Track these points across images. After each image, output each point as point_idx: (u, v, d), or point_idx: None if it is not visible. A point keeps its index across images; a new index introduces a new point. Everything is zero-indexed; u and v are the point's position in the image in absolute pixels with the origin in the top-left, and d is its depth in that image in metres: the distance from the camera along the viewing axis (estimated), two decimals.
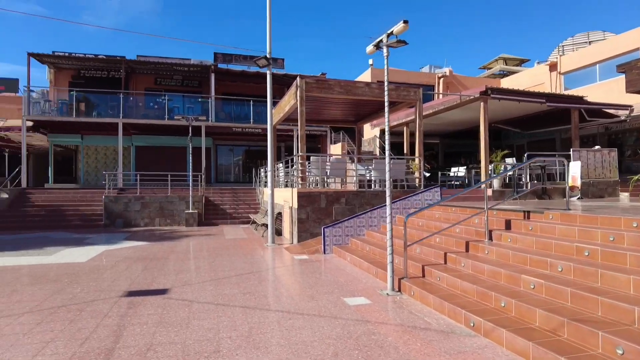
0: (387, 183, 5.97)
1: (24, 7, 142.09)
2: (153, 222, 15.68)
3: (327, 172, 11.60)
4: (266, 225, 12.20)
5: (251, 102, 21.30)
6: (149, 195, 15.97)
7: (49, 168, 21.38)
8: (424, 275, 6.05)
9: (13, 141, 21.66)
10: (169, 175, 16.87)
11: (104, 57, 20.52)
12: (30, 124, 18.88)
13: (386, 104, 6.14)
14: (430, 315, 4.75)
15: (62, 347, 3.84)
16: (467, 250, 6.29)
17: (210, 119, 20.14)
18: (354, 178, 12.11)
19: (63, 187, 19.54)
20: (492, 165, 12.80)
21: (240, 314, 4.83)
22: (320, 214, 10.25)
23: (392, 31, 5.95)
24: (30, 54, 19.35)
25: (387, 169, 5.96)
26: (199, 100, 21.95)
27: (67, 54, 20.31)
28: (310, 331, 4.25)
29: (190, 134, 16.12)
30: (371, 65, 22.99)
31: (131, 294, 5.76)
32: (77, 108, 19.47)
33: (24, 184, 18.15)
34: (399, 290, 5.82)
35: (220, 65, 21.68)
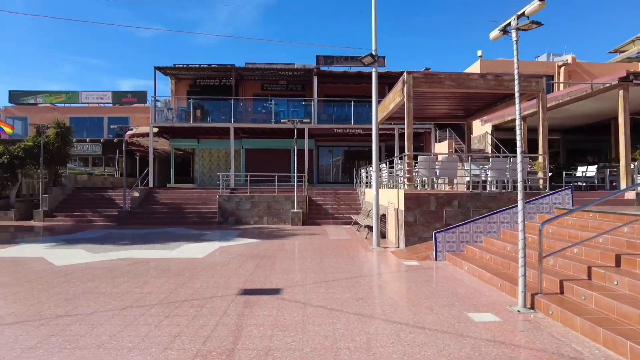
0: (519, 185, 5.26)
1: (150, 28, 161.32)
2: (261, 220, 16.39)
3: (436, 173, 10.90)
4: (369, 227, 11.89)
5: (352, 103, 21.21)
6: (258, 195, 16.74)
7: (171, 170, 23.73)
8: (562, 292, 5.19)
9: (142, 146, 24.48)
10: (276, 176, 17.50)
11: (216, 65, 22.11)
12: (156, 130, 21.11)
13: (516, 94, 5.44)
14: (579, 342, 3.98)
15: (187, 342, 3.95)
16: (617, 264, 5.26)
17: (313, 121, 20.51)
18: (466, 178, 11.21)
19: (182, 186, 21.52)
20: (637, 163, 10.88)
21: (355, 321, 4.57)
22: (429, 217, 9.63)
23: (524, 12, 5.21)
24: (156, 68, 21.67)
25: (518, 168, 5.25)
26: (302, 103, 22.51)
27: (185, 65, 22.32)
28: (435, 349, 3.81)
29: (295, 136, 16.53)
30: (480, 56, 21.38)
31: (246, 292, 5.86)
32: (194, 114, 21.26)
33: (151, 183, 20.35)
34: (532, 308, 5.06)
35: (322, 68, 21.99)
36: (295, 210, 16.10)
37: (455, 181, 11.96)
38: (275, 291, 5.90)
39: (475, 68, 22.26)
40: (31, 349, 3.79)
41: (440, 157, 12.57)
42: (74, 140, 21.46)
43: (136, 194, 18.33)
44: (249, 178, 17.81)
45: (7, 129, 22.84)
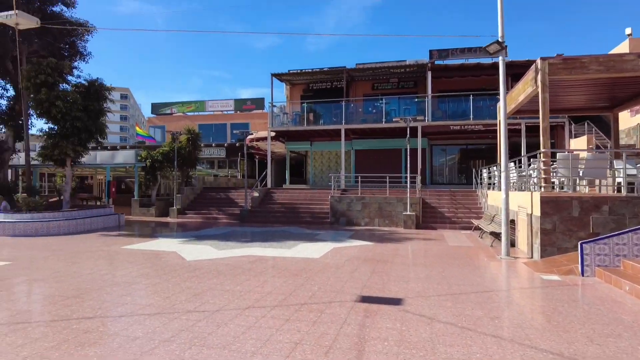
0: None
1: (268, 40, 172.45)
2: (372, 222, 16.06)
3: (579, 173, 9.37)
4: (495, 234, 10.74)
5: (470, 97, 19.70)
6: (368, 196, 16.45)
7: (286, 171, 24.75)
8: None
9: (261, 149, 26.00)
10: (387, 177, 17.03)
11: (328, 69, 22.43)
12: (273, 134, 22.18)
13: None
14: None
15: (309, 352, 3.76)
16: None
17: (426, 118, 19.54)
18: (617, 179, 9.45)
19: (296, 187, 22.27)
20: None
21: (493, 345, 3.94)
22: (571, 224, 8.28)
23: None
24: (272, 75, 22.79)
25: None
26: (415, 100, 21.64)
27: (299, 71, 23.09)
28: None
29: (408, 135, 15.86)
30: (629, 35, 18.14)
31: (365, 299, 5.55)
32: (307, 118, 21.85)
33: (269, 184, 21.44)
34: None
35: (437, 62, 20.85)
36: (408, 212, 15.41)
37: (598, 182, 10.16)
38: (396, 301, 5.49)
39: (622, 49, 18.97)
40: (166, 342, 3.96)
41: (582, 155, 10.81)
42: (202, 145, 23.68)
43: (256, 194, 19.44)
44: (359, 179, 17.62)
45: (142, 132, 26.41)
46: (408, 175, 15.64)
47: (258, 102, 37.77)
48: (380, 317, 4.77)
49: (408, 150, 16.04)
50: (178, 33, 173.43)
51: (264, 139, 23.08)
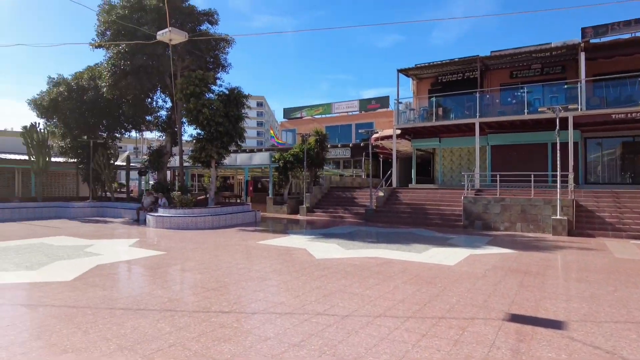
0: None
1: (390, 38, 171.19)
2: (514, 227, 14.32)
3: None
4: None
5: (639, 79, 16.29)
6: (509, 197, 14.73)
7: (412, 170, 23.84)
8: None
9: (385, 148, 25.55)
10: (532, 176, 15.06)
11: (459, 59, 20.87)
12: (398, 132, 21.54)
13: None
14: None
15: None
16: None
17: (580, 107, 16.78)
18: None
19: (423, 187, 21.25)
20: None
21: None
22: None
23: None
24: (398, 70, 22.14)
25: None
26: (564, 87, 18.80)
27: (426, 64, 21.98)
28: None
29: (557, 127, 13.77)
30: None
31: (515, 318, 4.73)
32: (436, 113, 20.65)
33: (394, 184, 20.86)
34: None
35: (592, 41, 17.78)
36: (558, 217, 13.34)
37: None
38: (555, 324, 4.55)
39: None
40: (296, 347, 3.83)
41: None
42: (328, 145, 24.23)
43: (381, 194, 19.08)
44: (497, 178, 15.91)
45: (276, 138, 28.12)
46: (558, 173, 13.54)
47: (382, 101, 37.38)
48: (537, 343, 3.95)
49: (558, 144, 13.89)
50: (306, 43, 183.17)
51: (389, 137, 22.54)
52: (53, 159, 21.84)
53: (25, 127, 20.09)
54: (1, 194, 23.57)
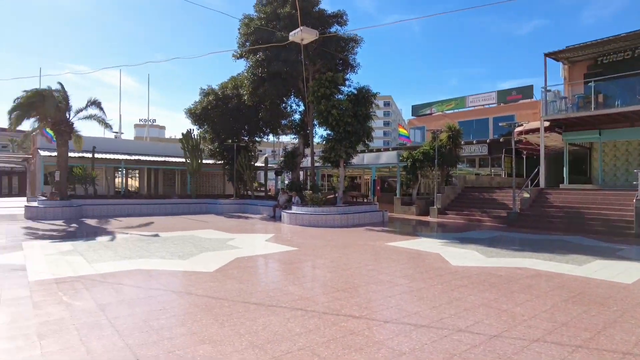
0: None
1: (530, 24, 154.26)
2: None
3: None
4: None
5: None
6: None
7: (564, 168, 20.69)
8: None
9: (530, 143, 22.70)
10: None
11: (625, 34, 17.36)
12: (546, 124, 18.91)
13: None
14: None
15: None
16: None
17: None
18: None
19: (578, 187, 18.25)
20: None
21: None
22: None
23: None
24: (546, 54, 19.45)
25: None
26: None
27: (582, 44, 18.84)
28: None
29: None
30: None
31: None
32: (595, 100, 17.54)
33: (541, 184, 18.37)
34: None
35: None
36: None
37: None
38: None
39: None
40: None
41: None
42: (462, 142, 22.54)
43: (525, 195, 16.97)
44: None
45: (404, 132, 27.16)
46: None
47: (524, 91, 33.49)
48: None
49: None
50: (434, 39, 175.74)
51: (535, 130, 19.93)
52: (204, 161, 24.72)
53: (183, 134, 23.14)
54: (165, 191, 27.65)
